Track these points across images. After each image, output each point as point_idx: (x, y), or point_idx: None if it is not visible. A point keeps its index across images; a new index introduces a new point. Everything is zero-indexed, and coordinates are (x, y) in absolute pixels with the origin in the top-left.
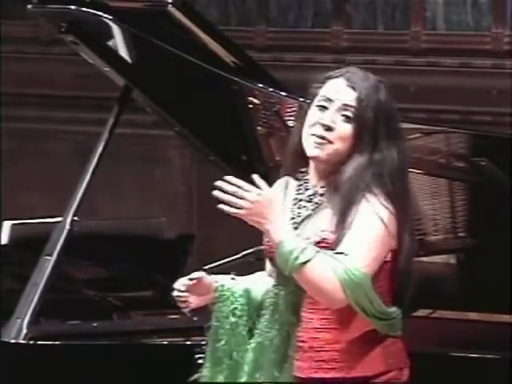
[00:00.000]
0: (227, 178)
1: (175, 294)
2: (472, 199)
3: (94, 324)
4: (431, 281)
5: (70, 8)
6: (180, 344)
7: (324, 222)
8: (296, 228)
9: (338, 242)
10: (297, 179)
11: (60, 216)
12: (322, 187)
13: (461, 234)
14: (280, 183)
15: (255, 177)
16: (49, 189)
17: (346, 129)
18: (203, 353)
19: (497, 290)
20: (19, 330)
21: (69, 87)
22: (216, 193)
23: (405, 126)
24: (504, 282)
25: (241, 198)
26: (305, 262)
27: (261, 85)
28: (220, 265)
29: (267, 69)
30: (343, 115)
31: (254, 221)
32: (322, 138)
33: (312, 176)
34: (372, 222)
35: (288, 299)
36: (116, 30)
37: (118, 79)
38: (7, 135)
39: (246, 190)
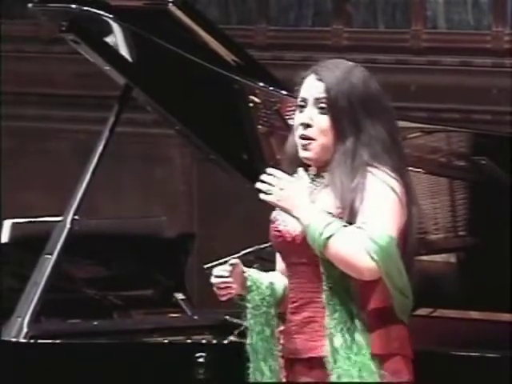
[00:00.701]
0: (267, 169)
1: (217, 280)
2: (472, 198)
3: (95, 323)
4: (431, 280)
5: (70, 7)
6: (180, 343)
7: (326, 200)
8: None
9: (347, 215)
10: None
11: (60, 215)
12: (324, 172)
13: (461, 233)
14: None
15: (300, 170)
16: (49, 188)
17: (324, 120)
18: (204, 351)
19: (497, 289)
20: (20, 328)
21: (69, 86)
22: (257, 184)
23: (405, 124)
24: (504, 280)
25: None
26: (329, 237)
27: (261, 83)
28: (220, 264)
29: (268, 67)
30: (318, 108)
31: (283, 207)
32: (306, 138)
33: (312, 168)
34: (385, 192)
35: (338, 282)
36: (117, 28)
37: (119, 78)
38: (7, 134)
39: (278, 178)
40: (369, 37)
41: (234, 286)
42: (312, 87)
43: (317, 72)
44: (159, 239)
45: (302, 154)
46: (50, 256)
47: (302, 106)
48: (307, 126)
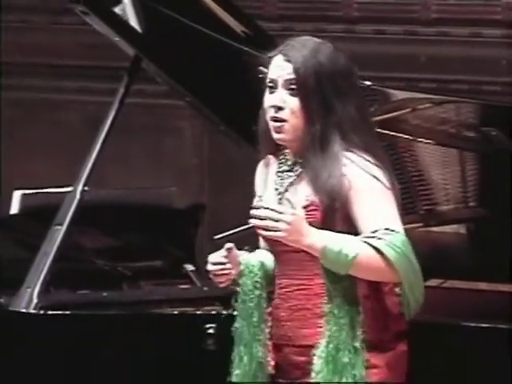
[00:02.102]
0: (258, 204)
1: (214, 267)
2: (482, 169)
3: (104, 294)
4: (442, 251)
5: None
6: (190, 314)
7: (306, 187)
8: (280, 197)
9: (325, 204)
10: (277, 156)
11: (70, 186)
12: (301, 157)
13: (471, 204)
14: (261, 164)
15: (291, 198)
16: (59, 159)
17: (294, 102)
18: (213, 322)
19: (507, 260)
20: (29, 299)
21: (79, 57)
22: (253, 221)
23: (415, 95)
24: None
25: (277, 221)
26: (355, 256)
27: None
28: (230, 235)
29: (277, 39)
30: (288, 89)
31: (292, 240)
32: (278, 120)
33: (289, 150)
34: (377, 188)
35: (347, 293)
36: None
37: (129, 49)
38: (16, 105)
39: (280, 212)
40: (379, 8)
41: (232, 271)
42: (281, 68)
43: (284, 53)
44: (170, 210)
45: (275, 136)
46: (59, 227)
47: (272, 87)
48: (279, 108)
